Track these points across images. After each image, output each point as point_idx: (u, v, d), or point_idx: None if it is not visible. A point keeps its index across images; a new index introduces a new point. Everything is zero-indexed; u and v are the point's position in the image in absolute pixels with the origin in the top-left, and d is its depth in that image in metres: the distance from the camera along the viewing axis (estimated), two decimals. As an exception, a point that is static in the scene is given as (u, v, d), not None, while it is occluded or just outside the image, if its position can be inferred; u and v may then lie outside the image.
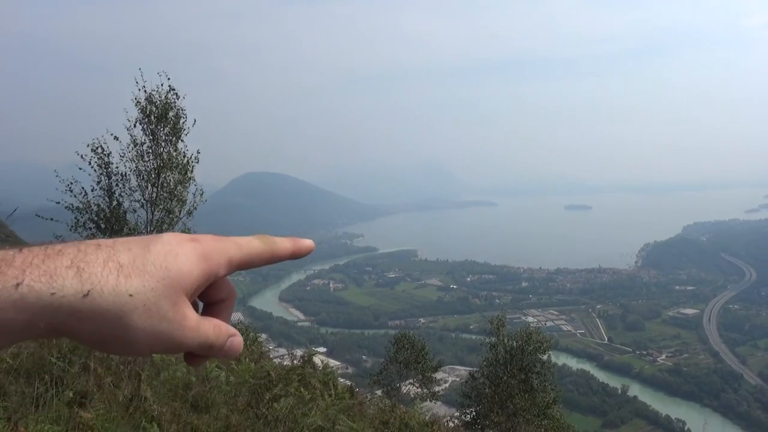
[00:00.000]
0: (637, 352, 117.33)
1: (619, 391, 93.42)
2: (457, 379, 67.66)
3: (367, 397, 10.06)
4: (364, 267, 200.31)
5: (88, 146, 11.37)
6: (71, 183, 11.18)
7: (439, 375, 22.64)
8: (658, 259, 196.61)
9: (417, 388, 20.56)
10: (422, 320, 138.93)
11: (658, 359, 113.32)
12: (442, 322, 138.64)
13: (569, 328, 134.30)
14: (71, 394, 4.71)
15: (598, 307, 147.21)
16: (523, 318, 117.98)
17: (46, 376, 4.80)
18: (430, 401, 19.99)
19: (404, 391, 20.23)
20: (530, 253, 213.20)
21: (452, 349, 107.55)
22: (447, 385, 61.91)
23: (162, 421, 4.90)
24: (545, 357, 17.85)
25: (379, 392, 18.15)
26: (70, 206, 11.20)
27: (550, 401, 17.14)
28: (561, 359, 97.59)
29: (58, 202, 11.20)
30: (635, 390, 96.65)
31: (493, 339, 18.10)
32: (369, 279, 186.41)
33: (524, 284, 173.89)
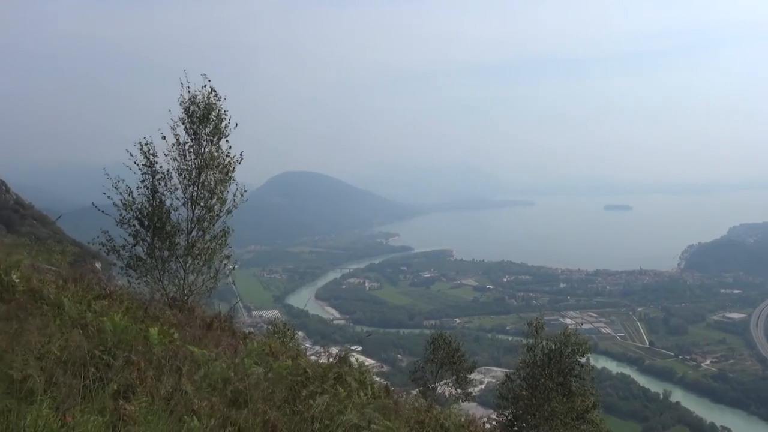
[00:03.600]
0: (680, 357, 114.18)
1: (661, 397, 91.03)
2: (493, 380, 67.13)
3: (402, 396, 10.04)
4: (399, 266, 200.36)
5: (135, 145, 11.71)
6: (118, 181, 11.53)
7: (474, 376, 22.47)
8: (702, 261, 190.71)
9: (452, 388, 20.45)
10: (458, 320, 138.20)
11: (703, 364, 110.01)
12: (477, 323, 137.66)
13: (608, 330, 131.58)
14: (115, 387, 4.84)
15: (639, 309, 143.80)
16: (561, 320, 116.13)
17: (92, 369, 4.95)
18: (466, 401, 19.87)
19: (440, 391, 20.15)
20: (568, 254, 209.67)
21: (488, 350, 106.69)
22: (483, 386, 61.47)
23: (202, 414, 5.00)
24: (584, 360, 17.51)
25: (414, 392, 18.12)
26: (116, 203, 11.55)
27: (589, 405, 16.80)
28: (600, 362, 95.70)
29: (109, 197, 11.56)
30: (678, 396, 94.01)
31: (531, 340, 17.84)
32: (404, 278, 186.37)
33: (562, 285, 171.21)
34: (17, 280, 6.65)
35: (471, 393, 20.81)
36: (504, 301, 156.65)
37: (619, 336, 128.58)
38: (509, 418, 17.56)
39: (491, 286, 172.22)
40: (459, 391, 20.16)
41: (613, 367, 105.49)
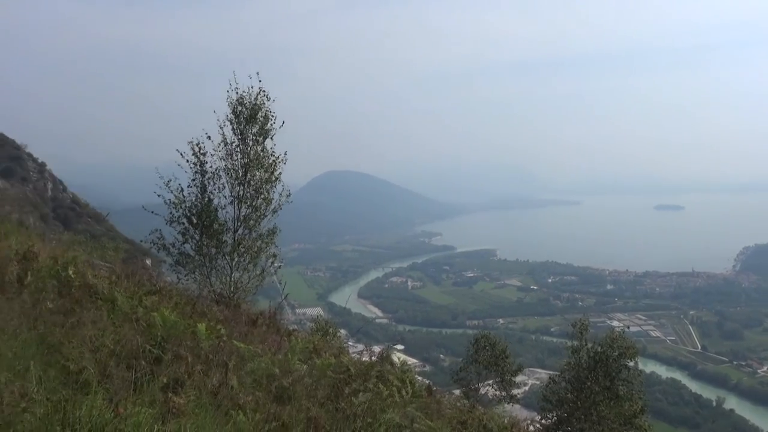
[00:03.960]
0: (735, 363, 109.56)
1: (714, 403, 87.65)
2: (537, 383, 66.06)
3: (444, 396, 10.00)
4: (442, 266, 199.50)
5: (188, 144, 12.04)
6: (170, 180, 11.87)
7: (518, 377, 22.15)
8: (759, 264, 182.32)
9: (496, 390, 20.22)
10: (501, 321, 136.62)
11: (759, 371, 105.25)
12: (521, 324, 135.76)
13: (658, 334, 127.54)
14: (165, 380, 4.98)
15: (691, 313, 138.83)
16: (608, 322, 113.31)
17: (143, 362, 5.12)
18: (509, 403, 19.63)
19: (483, 392, 19.96)
20: (616, 255, 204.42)
21: (532, 351, 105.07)
22: (527, 388, 60.54)
23: (247, 409, 5.09)
24: (632, 363, 17.03)
25: (457, 392, 18.01)
26: (167, 202, 11.89)
27: (637, 410, 16.32)
28: (649, 366, 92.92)
29: (159, 195, 11.92)
30: (732, 403, 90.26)
31: (576, 343, 17.47)
32: (447, 278, 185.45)
33: (609, 287, 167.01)
34: (73, 276, 6.92)
35: (515, 395, 20.53)
36: (549, 302, 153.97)
37: (670, 340, 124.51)
38: (554, 421, 17.25)
39: (536, 287, 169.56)
40: (502, 392, 19.93)
41: (663, 371, 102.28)
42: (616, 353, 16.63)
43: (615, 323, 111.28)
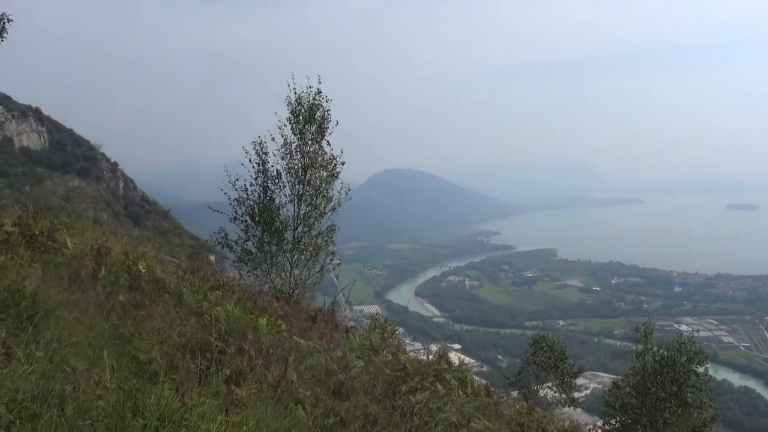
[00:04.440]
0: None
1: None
2: (599, 386, 64.31)
3: (502, 397, 9.86)
4: (500, 265, 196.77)
5: (251, 144, 12.39)
6: (237, 179, 12.27)
7: (579, 380, 21.60)
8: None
9: (555, 392, 19.80)
10: (561, 322, 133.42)
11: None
12: (583, 326, 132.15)
13: (731, 339, 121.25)
14: (228, 373, 5.14)
15: (767, 318, 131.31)
16: (676, 326, 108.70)
17: (208, 355, 5.30)
18: (570, 407, 19.18)
19: (542, 395, 19.58)
20: (685, 256, 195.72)
21: (594, 354, 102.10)
22: (588, 391, 58.95)
23: (306, 404, 5.19)
24: (701, 369, 16.30)
25: (515, 393, 17.74)
26: (231, 200, 12.29)
27: (707, 418, 15.61)
28: (720, 373, 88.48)
29: (225, 193, 12.34)
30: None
31: (641, 346, 16.88)
32: (505, 277, 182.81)
33: (677, 289, 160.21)
34: (143, 270, 7.23)
35: (575, 398, 20.03)
36: (612, 303, 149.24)
37: (743, 346, 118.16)
38: (616, 427, 16.74)
39: (598, 288, 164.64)
40: (563, 395, 19.49)
41: (736, 379, 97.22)
42: (684, 358, 15.98)
43: (683, 327, 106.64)
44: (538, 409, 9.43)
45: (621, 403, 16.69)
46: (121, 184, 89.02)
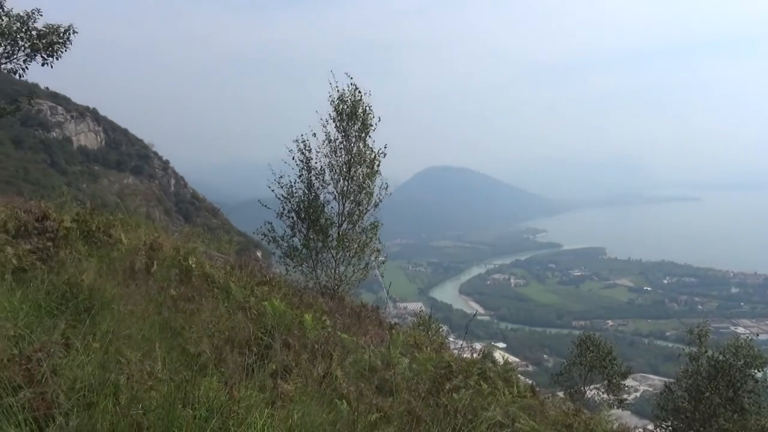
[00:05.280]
0: None
1: None
2: (650, 389, 62.57)
3: (548, 397, 9.71)
4: (546, 263, 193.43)
5: (294, 142, 12.58)
6: (281, 176, 12.48)
7: (628, 382, 21.05)
8: None
9: (603, 393, 19.36)
10: (610, 322, 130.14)
11: None
12: (633, 326, 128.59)
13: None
14: (274, 367, 5.24)
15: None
16: (732, 328, 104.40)
17: (254, 349, 5.41)
18: (618, 409, 18.73)
19: (589, 396, 19.18)
20: (742, 256, 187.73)
21: (644, 356, 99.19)
22: (638, 394, 57.36)
23: (350, 399, 5.23)
24: (760, 374, 15.63)
25: (560, 394, 17.43)
26: (279, 196, 12.52)
27: (766, 425, 14.96)
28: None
29: (272, 190, 12.57)
30: None
31: (694, 349, 16.31)
32: (552, 276, 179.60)
33: (734, 290, 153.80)
34: (193, 266, 7.43)
35: (624, 400, 19.54)
36: (664, 304, 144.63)
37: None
38: (668, 431, 16.24)
39: (649, 288, 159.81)
40: (611, 397, 19.04)
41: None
42: (741, 362, 15.36)
43: (740, 330, 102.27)
44: (585, 411, 9.24)
45: (673, 406, 16.19)
46: (173, 181, 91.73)
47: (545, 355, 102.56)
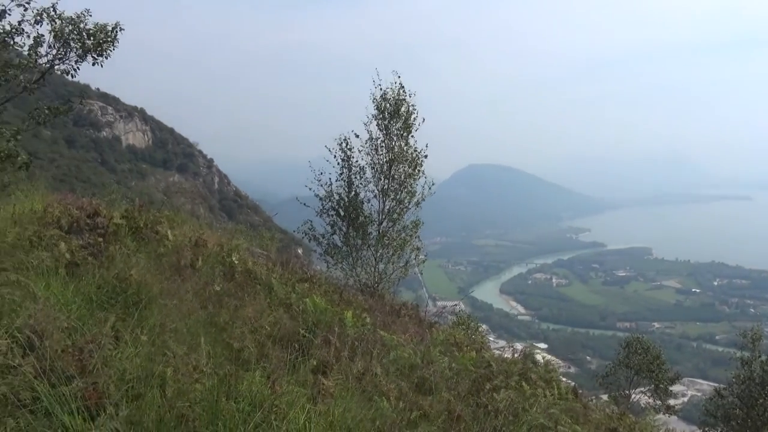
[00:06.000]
0: None
1: None
2: (698, 394, 60.73)
3: (591, 400, 9.50)
4: (590, 263, 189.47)
5: (335, 141, 12.68)
6: (321, 174, 12.60)
7: (675, 387, 20.44)
8: None
9: (649, 397, 18.85)
10: (656, 325, 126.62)
11: None
12: (680, 329, 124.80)
13: None
14: (315, 363, 5.29)
15: None
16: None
17: (296, 345, 5.47)
18: (665, 414, 18.20)
19: (634, 400, 18.70)
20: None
21: (692, 360, 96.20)
22: (686, 399, 55.70)
23: (390, 397, 5.24)
24: (818, 382, 14.95)
25: (604, 397, 17.06)
26: (317, 195, 12.64)
27: (823, 435, 14.30)
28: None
29: (311, 189, 12.71)
30: None
31: (747, 354, 15.71)
32: (596, 276, 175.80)
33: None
34: (237, 262, 7.57)
35: (671, 405, 18.98)
36: (713, 307, 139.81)
37: None
38: (718, 437, 15.71)
39: (698, 290, 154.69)
40: (657, 401, 18.53)
41: None
42: (798, 368, 14.73)
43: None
44: (630, 415, 9.01)
45: (723, 413, 15.64)
46: (216, 179, 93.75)
47: (588, 357, 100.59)
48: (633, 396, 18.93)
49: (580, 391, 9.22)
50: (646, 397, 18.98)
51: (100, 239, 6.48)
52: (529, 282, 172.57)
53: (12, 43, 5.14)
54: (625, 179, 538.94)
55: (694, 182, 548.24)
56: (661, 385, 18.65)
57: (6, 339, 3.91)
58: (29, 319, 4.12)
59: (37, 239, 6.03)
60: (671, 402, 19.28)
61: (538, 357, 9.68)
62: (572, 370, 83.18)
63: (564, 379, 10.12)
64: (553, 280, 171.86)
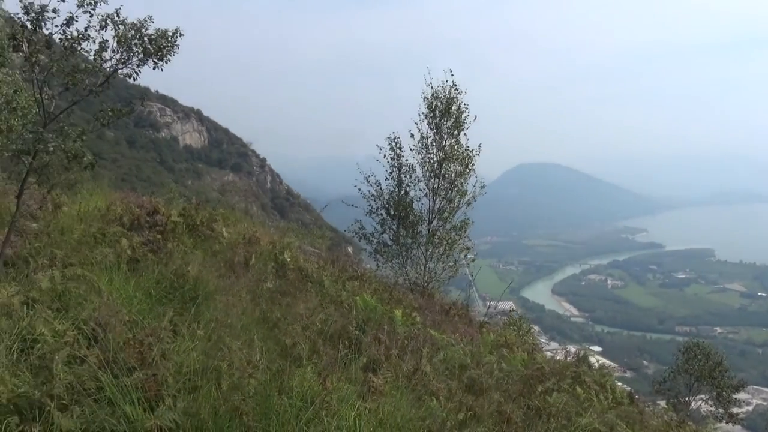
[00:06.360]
0: None
1: None
2: (764, 403, 57.94)
3: (648, 406, 9.19)
4: (647, 265, 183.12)
5: (386, 140, 12.72)
6: (369, 175, 12.66)
7: (740, 395, 19.53)
8: None
9: (710, 405, 18.08)
10: (718, 329, 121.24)
11: None
12: (745, 335, 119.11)
13: None
14: (365, 361, 5.32)
15: None
16: None
17: (346, 342, 5.52)
18: (728, 423, 17.43)
19: (694, 407, 17.97)
20: None
21: (758, 367, 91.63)
22: (750, 408, 53.25)
23: (440, 396, 5.22)
24: None
25: (662, 403, 16.47)
26: (366, 194, 12.71)
27: None
28: None
29: (359, 189, 12.80)
30: None
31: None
32: (653, 278, 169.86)
33: None
34: (289, 260, 7.71)
35: (735, 414, 18.15)
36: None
37: None
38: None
39: (764, 294, 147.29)
40: (719, 409, 17.75)
41: None
42: None
43: None
44: (691, 423, 8.67)
45: (792, 423, 14.85)
46: (269, 178, 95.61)
47: (645, 362, 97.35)
48: (693, 403, 18.19)
49: (637, 397, 8.94)
50: (707, 405, 18.22)
51: (159, 236, 6.72)
52: (583, 283, 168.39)
53: (79, 48, 5.37)
54: (686, 177, 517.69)
55: (762, 180, 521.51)
56: (724, 393, 17.86)
57: (73, 330, 4.10)
58: (94, 312, 4.31)
59: (101, 236, 6.31)
60: (735, 410, 18.43)
61: (592, 360, 9.43)
62: (628, 374, 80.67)
63: (619, 384, 9.83)
64: (608, 282, 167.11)
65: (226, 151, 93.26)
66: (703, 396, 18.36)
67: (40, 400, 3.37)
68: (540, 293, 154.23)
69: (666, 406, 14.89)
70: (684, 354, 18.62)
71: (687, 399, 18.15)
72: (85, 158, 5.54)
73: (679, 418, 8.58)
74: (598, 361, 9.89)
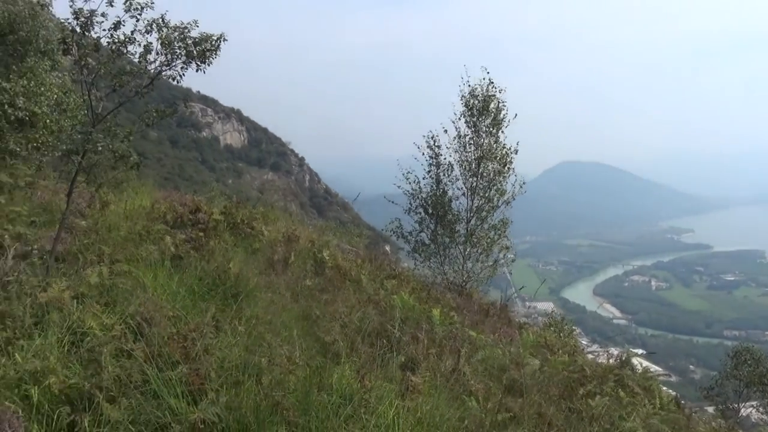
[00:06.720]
0: None
1: None
2: (819, 412, 55.19)
3: (695, 412, 8.91)
4: (693, 266, 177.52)
5: (423, 138, 12.69)
6: (408, 172, 12.65)
7: (793, 403, 18.71)
8: None
9: (761, 413, 17.40)
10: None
11: None
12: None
13: None
14: (402, 359, 5.32)
15: None
16: None
17: (384, 341, 5.53)
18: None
19: (744, 414, 17.33)
20: None
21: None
22: (803, 416, 50.95)
23: (478, 396, 5.17)
24: None
25: (710, 409, 15.95)
26: (405, 192, 12.70)
27: None
28: None
29: (399, 187, 12.80)
30: None
31: None
32: (700, 280, 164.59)
33: None
34: (327, 258, 7.76)
35: (787, 422, 17.42)
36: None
37: None
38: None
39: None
40: (771, 417, 17.08)
41: None
42: None
43: None
44: (741, 430, 8.37)
45: None
46: (307, 177, 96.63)
47: (691, 366, 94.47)
48: (743, 410, 17.55)
49: (683, 402, 8.68)
50: (757, 413, 17.54)
51: (201, 234, 6.86)
52: (626, 284, 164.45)
53: (125, 51, 5.53)
54: (736, 176, 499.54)
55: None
56: (776, 400, 17.17)
57: (120, 325, 4.23)
58: (140, 307, 4.43)
59: (146, 233, 6.48)
60: (787, 418, 17.69)
61: (636, 363, 9.20)
62: (673, 379, 78.30)
63: (664, 388, 9.55)
64: (653, 283, 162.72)
65: (265, 150, 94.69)
66: (753, 403, 17.68)
67: (89, 391, 3.49)
68: (581, 294, 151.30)
69: (714, 413, 14.43)
70: (733, 359, 17.95)
71: (736, 406, 17.52)
72: (131, 158, 5.70)
73: (728, 425, 8.31)
74: (641, 364, 9.64)
